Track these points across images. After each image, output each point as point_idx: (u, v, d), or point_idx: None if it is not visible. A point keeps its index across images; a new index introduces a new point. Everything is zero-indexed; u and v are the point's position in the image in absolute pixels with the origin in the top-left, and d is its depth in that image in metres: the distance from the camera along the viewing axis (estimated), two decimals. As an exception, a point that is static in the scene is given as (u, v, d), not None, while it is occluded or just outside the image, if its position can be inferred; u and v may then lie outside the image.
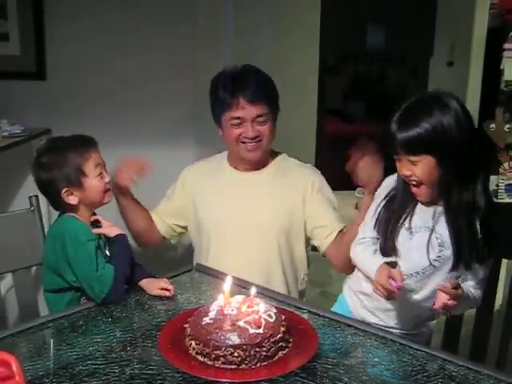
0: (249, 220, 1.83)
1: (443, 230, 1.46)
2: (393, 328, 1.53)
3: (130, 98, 2.50)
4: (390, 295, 1.39)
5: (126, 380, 1.19)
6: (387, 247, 1.50)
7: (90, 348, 1.31)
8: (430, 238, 1.46)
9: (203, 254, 1.90)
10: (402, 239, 1.49)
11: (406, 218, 1.50)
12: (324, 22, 3.39)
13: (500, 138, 3.27)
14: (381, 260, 1.47)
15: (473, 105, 3.67)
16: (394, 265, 1.45)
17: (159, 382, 1.19)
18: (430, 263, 1.46)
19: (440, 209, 1.47)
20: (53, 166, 1.56)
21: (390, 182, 1.58)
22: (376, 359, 1.28)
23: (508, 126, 3.33)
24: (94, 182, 1.59)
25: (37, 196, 1.73)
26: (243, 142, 1.81)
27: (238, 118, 1.78)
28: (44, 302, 1.72)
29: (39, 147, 1.65)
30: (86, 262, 1.52)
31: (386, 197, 1.56)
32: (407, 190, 1.48)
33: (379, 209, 1.55)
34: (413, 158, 1.39)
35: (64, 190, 1.56)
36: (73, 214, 1.60)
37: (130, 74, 2.49)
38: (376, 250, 1.54)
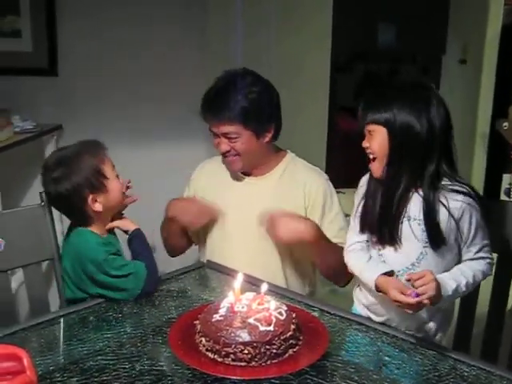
0: (253, 225, 1.78)
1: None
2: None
3: (141, 95, 2.50)
4: (413, 307, 1.33)
5: (135, 376, 1.19)
6: (386, 238, 1.48)
7: (101, 343, 1.32)
8: (410, 225, 1.44)
9: (208, 255, 1.88)
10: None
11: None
12: (336, 20, 3.37)
13: (513, 137, 3.24)
14: (376, 269, 1.45)
15: (486, 103, 3.66)
16: (391, 273, 1.43)
17: (169, 378, 1.19)
18: (421, 251, 1.44)
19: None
20: (70, 174, 1.52)
21: (365, 181, 1.58)
22: (387, 358, 1.27)
23: (521, 124, 3.29)
24: (115, 184, 1.58)
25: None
26: (223, 154, 1.80)
27: (211, 130, 1.78)
28: (54, 298, 1.73)
29: (45, 163, 1.58)
30: (110, 277, 1.51)
31: (366, 194, 1.55)
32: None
33: (360, 208, 1.55)
34: (370, 127, 1.46)
35: (90, 197, 1.53)
36: (87, 228, 1.58)
37: (142, 71, 2.50)
38: (370, 257, 1.52)
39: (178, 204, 1.84)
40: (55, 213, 1.75)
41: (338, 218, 1.83)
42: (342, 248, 1.67)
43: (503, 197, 3.12)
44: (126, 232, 1.64)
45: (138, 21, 2.46)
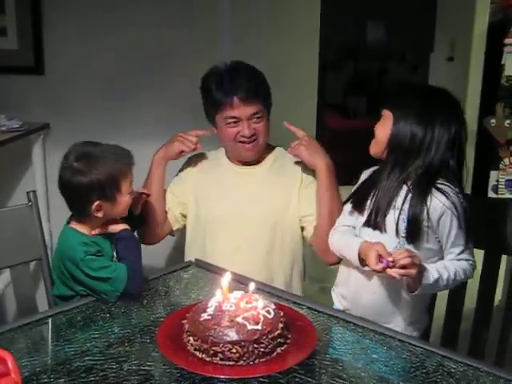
0: (247, 214, 1.84)
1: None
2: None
3: (129, 93, 2.48)
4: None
5: (123, 376, 1.18)
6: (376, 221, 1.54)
7: (88, 344, 1.31)
8: (398, 217, 1.49)
9: (199, 247, 1.89)
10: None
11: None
12: (324, 18, 3.37)
13: (500, 134, 3.27)
14: (360, 239, 1.52)
15: (473, 100, 3.67)
16: None
17: (157, 378, 1.19)
18: (399, 241, 1.49)
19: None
20: (88, 173, 1.50)
21: (367, 173, 1.67)
22: (375, 356, 1.27)
23: (508, 121, 3.31)
24: (125, 199, 1.58)
25: (34, 191, 1.72)
26: (241, 142, 1.81)
27: (234, 117, 1.78)
28: (41, 298, 1.72)
29: (72, 149, 1.55)
30: (87, 277, 1.51)
31: (367, 180, 1.65)
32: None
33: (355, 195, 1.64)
34: (383, 112, 1.56)
35: (96, 203, 1.52)
36: (74, 227, 1.58)
37: (130, 69, 2.48)
38: (355, 235, 1.59)
39: (165, 144, 1.88)
40: (42, 212, 1.74)
41: None
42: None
43: (491, 194, 3.14)
44: (114, 234, 1.63)
45: (126, 21, 2.45)
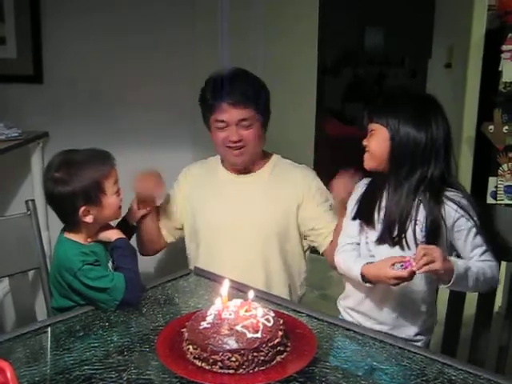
0: (244, 224, 1.83)
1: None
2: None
3: (128, 101, 2.49)
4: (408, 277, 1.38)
5: (123, 385, 1.18)
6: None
7: (87, 353, 1.31)
8: (415, 228, 1.49)
9: (198, 258, 1.89)
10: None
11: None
12: (322, 24, 3.38)
13: (499, 140, 3.27)
14: (364, 261, 1.50)
15: (471, 106, 3.68)
16: None
17: (156, 387, 1.18)
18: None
19: None
20: (70, 181, 1.51)
21: (362, 185, 1.66)
22: (375, 363, 1.27)
23: (506, 127, 3.31)
24: (111, 200, 1.57)
25: (33, 200, 1.72)
26: (229, 147, 1.81)
27: (223, 121, 1.78)
28: (40, 307, 1.72)
29: (52, 160, 1.58)
30: (85, 287, 1.50)
31: (366, 193, 1.63)
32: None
33: (355, 209, 1.61)
34: (373, 126, 1.54)
35: (82, 209, 1.52)
36: (69, 237, 1.58)
37: (128, 77, 2.49)
38: (359, 255, 1.57)
39: (137, 179, 1.83)
40: (42, 221, 1.74)
41: (328, 197, 1.87)
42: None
43: (490, 200, 3.14)
44: (109, 242, 1.62)
45: (125, 27, 2.46)
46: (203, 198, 1.89)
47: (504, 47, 3.12)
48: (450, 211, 1.47)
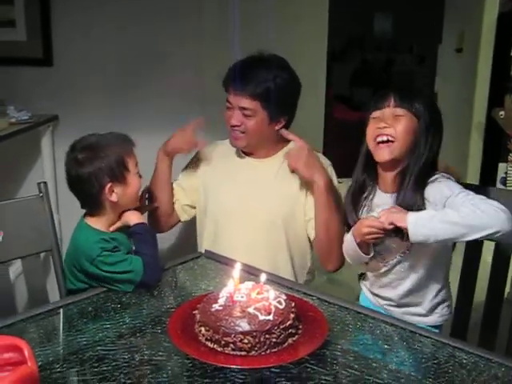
0: (256, 207, 1.83)
1: None
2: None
3: (137, 85, 2.48)
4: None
5: (135, 366, 1.19)
6: None
7: (100, 334, 1.32)
8: None
9: (208, 238, 1.90)
10: None
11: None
12: (332, 10, 3.36)
13: (509, 125, 3.25)
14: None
15: (482, 92, 3.66)
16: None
17: (168, 367, 1.19)
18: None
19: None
20: (95, 160, 1.54)
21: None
22: (386, 346, 1.28)
23: (517, 113, 3.29)
24: (135, 179, 1.60)
25: (45, 182, 1.72)
26: (231, 128, 1.82)
27: (229, 102, 1.80)
28: (52, 289, 1.73)
29: (73, 144, 1.60)
30: (103, 272, 1.52)
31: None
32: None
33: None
34: (398, 111, 1.49)
35: (109, 185, 1.54)
36: (89, 223, 1.59)
37: (139, 60, 2.48)
38: None
39: (173, 137, 1.89)
40: (52, 203, 1.74)
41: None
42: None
43: (499, 185, 3.13)
44: (129, 226, 1.63)
45: (134, 11, 2.44)
46: (216, 179, 1.90)
47: (516, 32, 3.09)
48: (436, 194, 1.46)
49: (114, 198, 1.56)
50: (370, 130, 1.53)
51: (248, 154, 1.90)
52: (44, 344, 1.28)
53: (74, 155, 1.56)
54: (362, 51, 7.48)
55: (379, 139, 1.50)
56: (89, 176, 1.54)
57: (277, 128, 1.82)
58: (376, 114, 1.52)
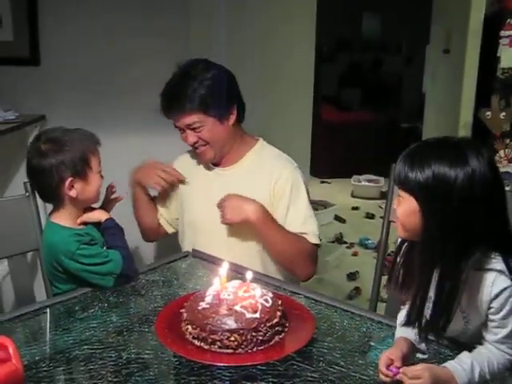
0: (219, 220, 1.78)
1: None
2: None
3: (126, 84, 2.47)
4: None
5: (122, 364, 1.19)
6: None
7: (87, 333, 1.32)
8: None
9: (188, 247, 1.86)
10: None
11: None
12: (320, 10, 3.37)
13: (496, 126, 3.29)
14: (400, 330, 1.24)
15: (469, 92, 3.68)
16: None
17: (156, 366, 1.19)
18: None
19: None
20: (58, 152, 1.52)
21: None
22: (372, 343, 1.29)
23: (503, 113, 3.33)
24: (96, 178, 1.58)
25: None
26: (193, 147, 1.81)
27: (176, 126, 1.79)
28: (39, 289, 1.72)
29: (37, 135, 1.60)
30: (84, 266, 1.52)
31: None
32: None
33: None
34: (400, 194, 1.19)
35: (69, 180, 1.53)
36: (58, 222, 1.58)
37: (127, 60, 2.47)
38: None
39: (140, 168, 1.89)
40: (40, 203, 1.74)
41: (304, 207, 1.82)
42: (298, 237, 1.75)
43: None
44: (99, 223, 1.63)
45: (122, 9, 2.44)
46: (189, 190, 1.90)
47: (502, 33, 3.12)
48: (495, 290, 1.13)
49: (73, 193, 1.55)
50: None
51: (216, 165, 1.88)
52: (30, 343, 1.27)
53: (37, 145, 1.55)
54: (350, 52, 7.52)
55: None
56: (50, 168, 1.52)
57: (231, 123, 1.80)
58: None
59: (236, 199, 1.73)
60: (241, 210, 1.71)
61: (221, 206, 1.74)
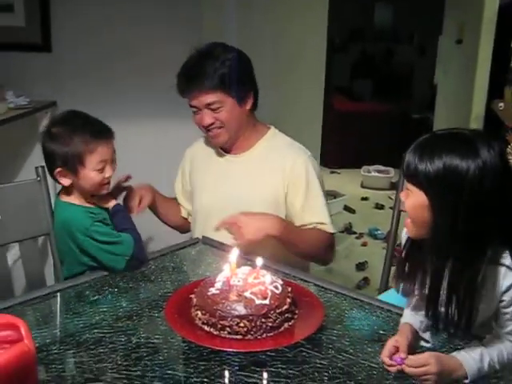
0: (231, 206, 1.75)
1: None
2: None
3: (136, 71, 2.48)
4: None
5: (132, 348, 1.20)
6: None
7: (97, 317, 1.32)
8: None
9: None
10: None
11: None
12: (332, 1, 3.35)
13: (508, 117, 3.26)
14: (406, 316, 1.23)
15: (482, 83, 3.66)
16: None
17: (165, 350, 1.20)
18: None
19: None
20: (55, 141, 1.53)
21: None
22: (381, 332, 1.28)
23: (517, 105, 3.29)
24: (90, 174, 1.54)
25: (43, 166, 1.71)
26: (207, 129, 1.78)
27: (193, 106, 1.77)
28: (50, 273, 1.73)
29: (59, 114, 1.63)
30: (97, 243, 1.52)
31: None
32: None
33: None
34: (409, 187, 1.15)
35: (57, 170, 1.54)
36: (68, 201, 1.58)
37: (137, 46, 2.47)
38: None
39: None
40: (50, 187, 1.75)
41: (320, 196, 1.81)
42: (317, 232, 1.76)
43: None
44: (107, 209, 1.63)
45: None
46: (199, 178, 1.90)
47: (517, 23, 3.08)
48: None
49: (64, 182, 1.56)
50: None
51: (227, 151, 1.87)
52: (41, 326, 1.28)
53: (50, 126, 1.58)
54: (362, 42, 7.47)
55: None
56: (46, 152, 1.56)
57: (248, 107, 1.79)
58: None
59: (251, 219, 1.66)
60: (259, 229, 1.64)
61: (233, 224, 1.65)
